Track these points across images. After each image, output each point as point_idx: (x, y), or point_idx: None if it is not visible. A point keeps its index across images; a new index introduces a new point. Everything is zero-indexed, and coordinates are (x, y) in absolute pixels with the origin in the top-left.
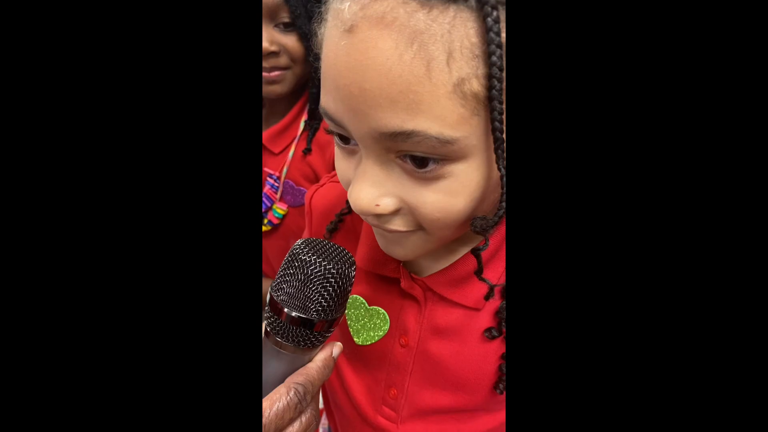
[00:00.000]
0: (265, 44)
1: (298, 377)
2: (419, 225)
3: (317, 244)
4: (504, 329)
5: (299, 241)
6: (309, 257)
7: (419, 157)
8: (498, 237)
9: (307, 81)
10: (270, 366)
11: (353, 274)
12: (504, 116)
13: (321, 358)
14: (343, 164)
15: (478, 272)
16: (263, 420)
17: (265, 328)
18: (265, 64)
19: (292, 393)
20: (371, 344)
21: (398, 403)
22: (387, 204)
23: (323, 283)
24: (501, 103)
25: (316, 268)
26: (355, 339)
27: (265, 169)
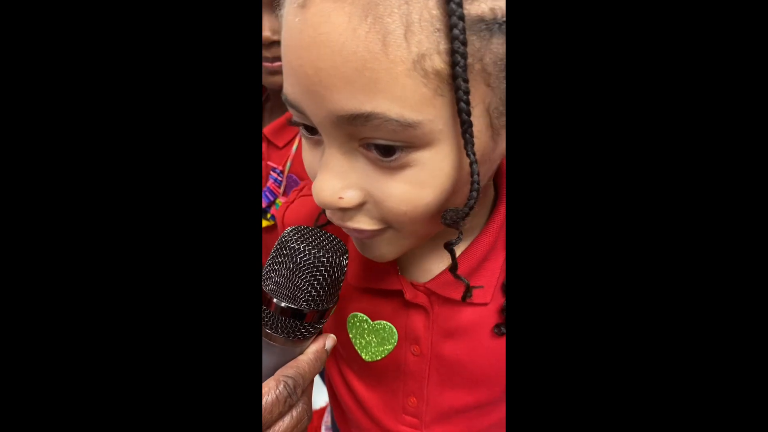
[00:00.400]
0: (266, 33)
1: (288, 370)
2: (386, 222)
3: (307, 232)
4: None
5: (289, 229)
6: (298, 245)
7: (383, 146)
8: (494, 228)
9: None
10: None
11: (345, 263)
12: (469, 96)
13: (312, 350)
14: (309, 156)
15: (452, 268)
16: None
17: None
18: (266, 53)
19: (281, 387)
20: (381, 359)
21: (419, 410)
22: (351, 197)
23: (313, 271)
24: (466, 81)
25: (305, 256)
26: (363, 356)
27: (269, 162)
